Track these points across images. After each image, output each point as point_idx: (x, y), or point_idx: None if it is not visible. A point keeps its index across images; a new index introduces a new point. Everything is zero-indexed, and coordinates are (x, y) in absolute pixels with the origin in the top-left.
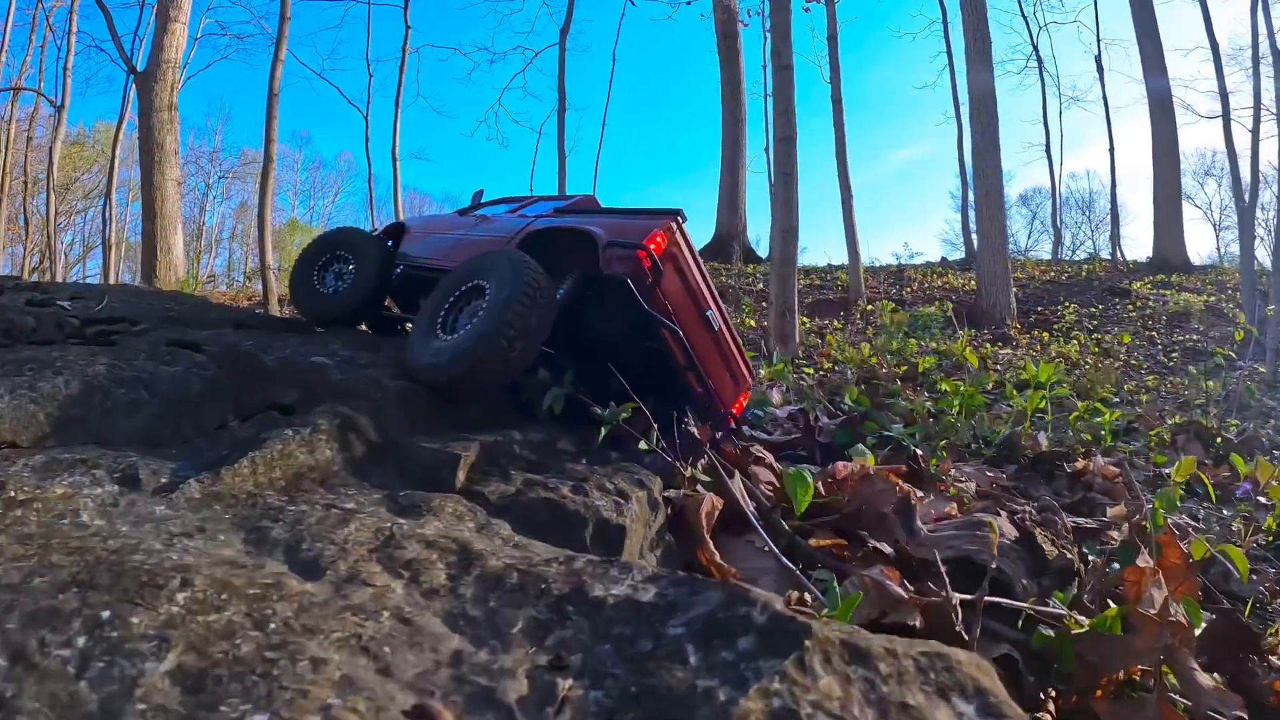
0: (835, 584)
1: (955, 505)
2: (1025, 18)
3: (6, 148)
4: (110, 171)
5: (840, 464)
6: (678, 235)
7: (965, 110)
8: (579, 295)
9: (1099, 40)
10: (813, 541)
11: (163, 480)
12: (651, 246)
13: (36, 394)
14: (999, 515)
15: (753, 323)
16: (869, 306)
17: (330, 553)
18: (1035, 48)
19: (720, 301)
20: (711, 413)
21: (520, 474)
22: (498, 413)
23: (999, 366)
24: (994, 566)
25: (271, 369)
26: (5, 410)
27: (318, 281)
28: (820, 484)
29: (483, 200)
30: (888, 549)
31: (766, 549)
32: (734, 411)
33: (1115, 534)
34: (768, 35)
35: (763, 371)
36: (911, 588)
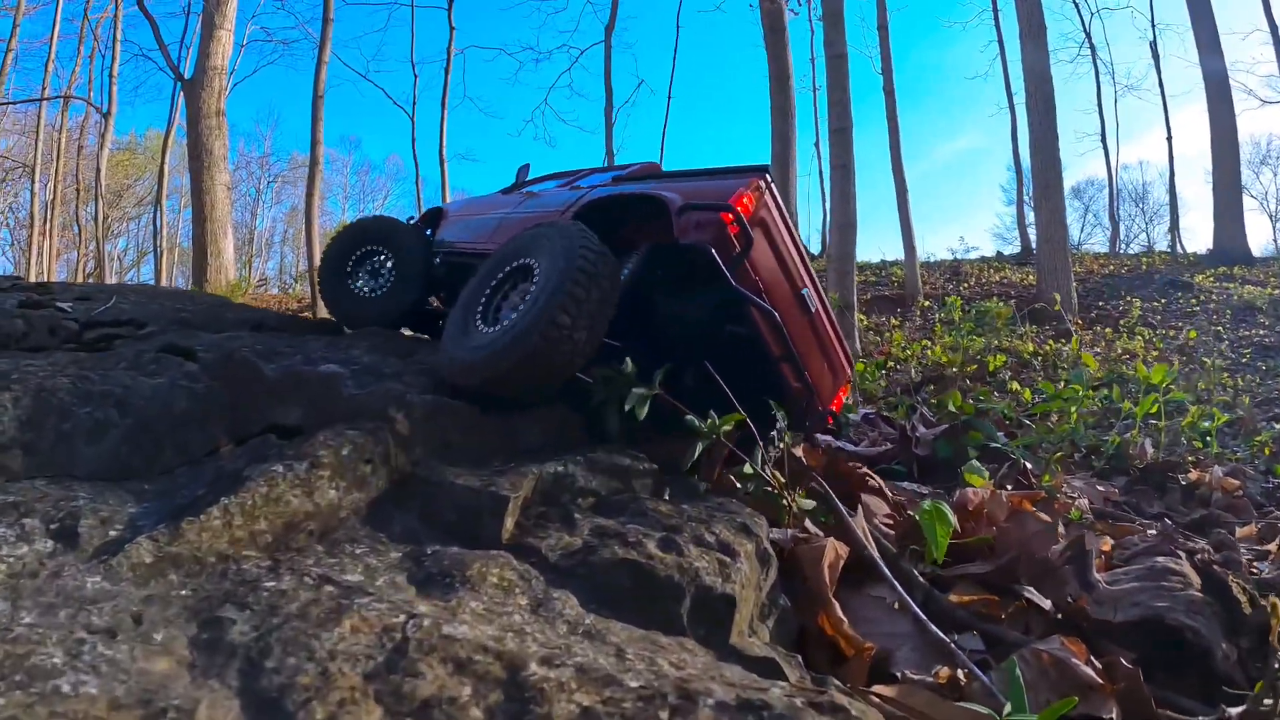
0: (1016, 668)
1: (1109, 540)
2: (1076, 4)
3: (58, 156)
4: (160, 178)
5: (970, 491)
6: (767, 196)
7: (1019, 100)
8: (646, 274)
9: (1153, 25)
10: (954, 596)
11: (110, 534)
12: (739, 208)
13: None
14: (1179, 557)
15: None
16: (926, 303)
17: (306, 679)
18: (1088, 34)
19: (816, 278)
20: (809, 412)
21: (588, 519)
22: (553, 426)
23: (1064, 365)
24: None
25: (272, 381)
26: None
27: (350, 281)
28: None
29: (529, 177)
30: (1044, 603)
31: (898, 606)
32: (833, 409)
33: (1260, 565)
34: (816, 26)
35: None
36: (1099, 664)
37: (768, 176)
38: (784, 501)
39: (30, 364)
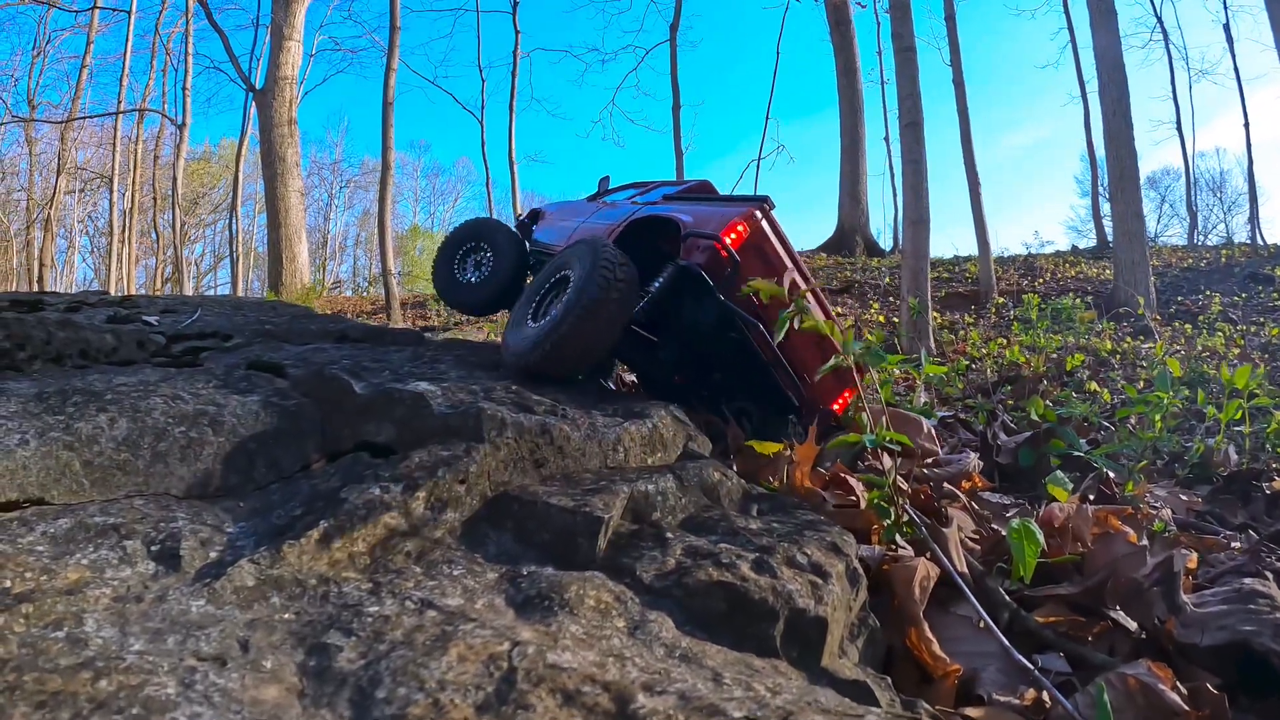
0: (1104, 693)
1: (1194, 557)
2: None
3: (135, 166)
4: (235, 186)
5: (1056, 507)
6: (762, 224)
7: (1091, 88)
8: (676, 283)
9: (1225, 7)
10: (1039, 616)
11: (210, 556)
12: (729, 239)
13: (73, 436)
14: (1266, 578)
15: (882, 318)
16: (1001, 299)
17: (418, 710)
18: (1159, 19)
19: (819, 293)
20: (804, 408)
21: (680, 538)
22: (641, 441)
23: (1143, 363)
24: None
25: (363, 399)
26: (31, 459)
27: (458, 270)
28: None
29: (609, 186)
30: (1130, 625)
31: (983, 625)
32: (834, 409)
33: None
34: (881, 19)
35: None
36: (1185, 690)
37: (765, 206)
38: (892, 514)
39: (123, 382)
